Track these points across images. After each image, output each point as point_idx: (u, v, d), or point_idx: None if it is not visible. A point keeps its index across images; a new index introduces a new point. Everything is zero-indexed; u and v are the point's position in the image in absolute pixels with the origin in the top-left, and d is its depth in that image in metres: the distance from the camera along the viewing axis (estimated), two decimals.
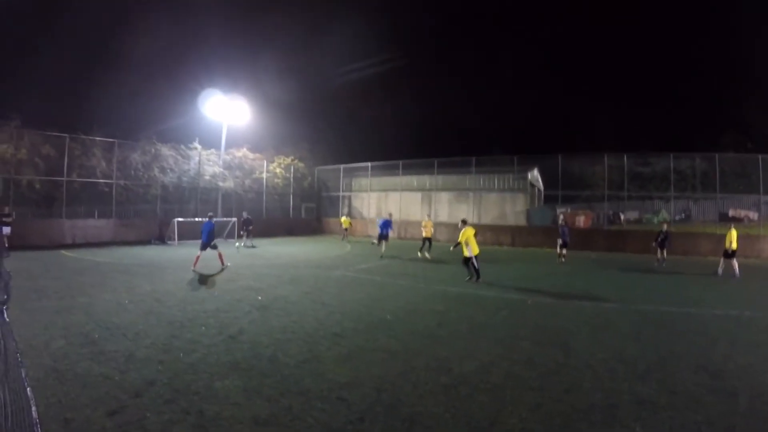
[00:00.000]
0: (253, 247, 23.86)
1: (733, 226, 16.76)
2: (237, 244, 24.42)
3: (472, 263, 13.21)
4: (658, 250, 18.87)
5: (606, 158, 26.68)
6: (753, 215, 29.69)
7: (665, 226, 19.79)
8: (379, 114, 65.20)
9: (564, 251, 19.71)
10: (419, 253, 19.70)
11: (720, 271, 16.00)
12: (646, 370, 6.21)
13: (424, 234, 20.53)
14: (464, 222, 14.17)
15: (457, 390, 5.38)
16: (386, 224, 20.63)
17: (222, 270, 14.78)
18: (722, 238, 16.84)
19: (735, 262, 15.61)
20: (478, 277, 13.21)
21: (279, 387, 5.35)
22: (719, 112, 43.39)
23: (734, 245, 15.62)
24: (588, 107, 55.78)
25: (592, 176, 28.67)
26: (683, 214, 30.80)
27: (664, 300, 11.47)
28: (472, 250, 13.22)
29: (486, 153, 32.83)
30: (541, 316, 9.43)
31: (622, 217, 30.12)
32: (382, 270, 15.99)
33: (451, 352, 6.80)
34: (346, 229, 29.52)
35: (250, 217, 25.55)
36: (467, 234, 13.37)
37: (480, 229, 28.69)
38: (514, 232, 28.44)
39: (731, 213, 31.45)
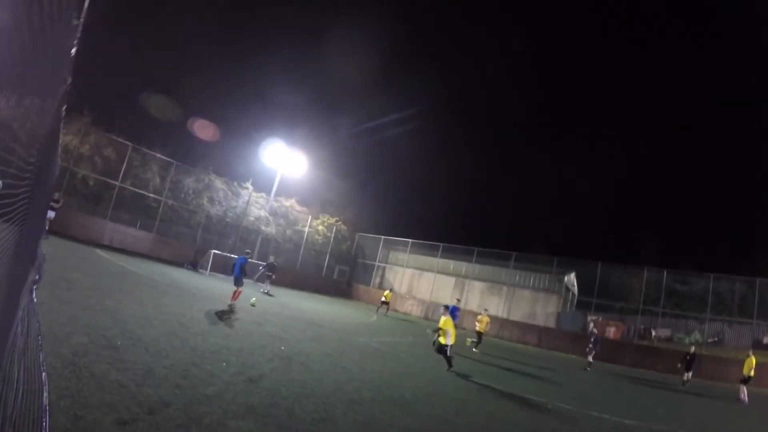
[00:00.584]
0: (269, 294, 22.43)
1: (752, 352, 16.65)
2: (263, 289, 23.31)
3: (445, 351, 12.60)
4: (684, 372, 18.10)
5: (645, 272, 26.36)
6: None
7: (693, 348, 19.05)
8: (428, 193, 65.75)
9: (591, 359, 19.18)
10: (473, 348, 18.72)
11: (743, 396, 15.65)
12: None
13: (477, 328, 19.59)
14: (446, 308, 13.45)
15: None
16: (454, 311, 18.11)
17: (231, 308, 14.13)
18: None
19: (744, 388, 15.61)
20: (450, 365, 12.52)
21: None
22: (764, 235, 42.47)
23: (752, 372, 15.77)
24: (634, 219, 54.99)
25: (628, 288, 28.22)
26: (717, 338, 29.18)
27: (684, 423, 11.26)
28: (450, 338, 12.66)
29: (525, 249, 32.85)
30: (559, 422, 8.99)
31: (653, 333, 28.85)
32: (406, 347, 15.63)
33: None
34: (385, 303, 28.19)
35: (274, 262, 24.65)
36: (448, 323, 12.79)
37: (508, 325, 28.66)
38: (542, 332, 27.84)
39: (766, 340, 29.93)
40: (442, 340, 12.71)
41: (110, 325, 7.96)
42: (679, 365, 18.50)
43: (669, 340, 28.35)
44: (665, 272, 25.78)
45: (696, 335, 28.12)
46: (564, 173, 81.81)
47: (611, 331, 27.07)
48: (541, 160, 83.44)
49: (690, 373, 18.04)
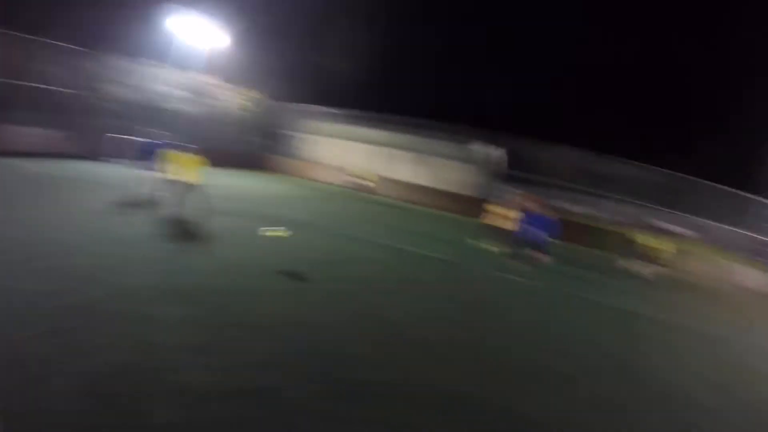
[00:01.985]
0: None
1: (654, 234, 18.79)
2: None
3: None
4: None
5: (570, 152, 28.06)
6: (690, 233, 31.83)
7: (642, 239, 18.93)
8: (349, 61, 63.00)
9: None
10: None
11: (632, 268, 17.76)
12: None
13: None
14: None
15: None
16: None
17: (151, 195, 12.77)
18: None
19: (646, 266, 17.38)
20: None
21: (217, 317, 5.56)
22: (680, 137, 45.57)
23: (653, 250, 17.57)
24: (566, 100, 55.30)
25: (552, 165, 29.54)
26: (629, 218, 32.36)
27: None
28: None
29: (451, 120, 32.60)
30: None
31: (570, 208, 30.99)
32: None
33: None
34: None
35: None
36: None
37: (432, 193, 30.12)
38: (464, 201, 29.34)
39: (667, 227, 33.52)
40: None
41: (25, 234, 7.64)
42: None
43: (585, 216, 30.49)
44: (589, 153, 27.67)
45: (614, 216, 30.78)
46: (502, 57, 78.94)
47: (533, 205, 28.02)
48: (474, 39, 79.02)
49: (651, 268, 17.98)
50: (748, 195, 27.21)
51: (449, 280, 10.45)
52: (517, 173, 29.56)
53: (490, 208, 14.09)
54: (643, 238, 17.91)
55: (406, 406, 4.50)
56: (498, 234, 13.83)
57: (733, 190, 26.99)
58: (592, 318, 9.60)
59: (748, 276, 24.36)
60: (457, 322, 7.32)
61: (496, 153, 33.59)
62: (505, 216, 13.59)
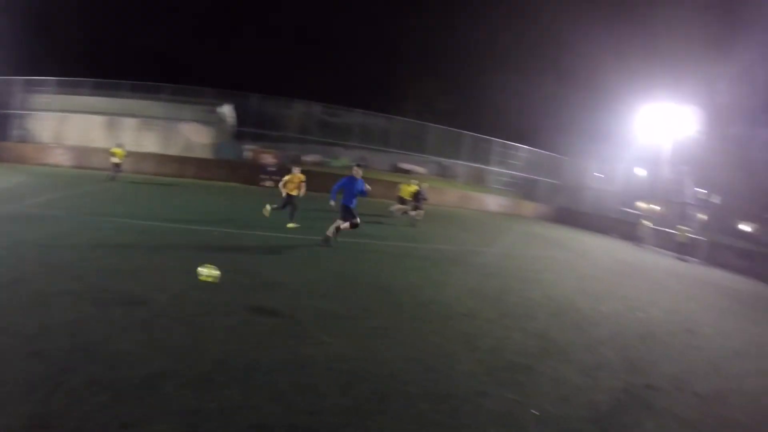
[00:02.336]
0: None
1: (412, 181, 20.41)
2: None
3: None
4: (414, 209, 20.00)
5: (299, 104, 29.29)
6: (420, 169, 37.75)
7: (421, 185, 20.17)
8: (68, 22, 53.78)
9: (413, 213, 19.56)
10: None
11: (398, 212, 20.15)
12: (326, 290, 7.82)
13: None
14: None
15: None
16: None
17: None
18: (392, 184, 22.63)
19: (407, 208, 19.57)
20: None
21: None
22: (407, 85, 50.95)
23: (406, 195, 19.56)
24: (292, 55, 55.85)
25: (283, 119, 30.72)
26: (361, 162, 35.27)
27: (346, 234, 12.46)
28: None
29: (180, 81, 31.53)
30: (230, 246, 10.30)
31: (306, 158, 32.97)
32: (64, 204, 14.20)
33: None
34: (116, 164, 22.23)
35: None
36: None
37: (165, 160, 26.96)
38: (200, 164, 27.70)
39: (402, 165, 38.28)
40: None
41: None
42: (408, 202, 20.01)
43: (319, 164, 32.51)
44: (318, 106, 29.31)
45: (343, 160, 33.51)
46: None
47: (268, 158, 29.19)
48: None
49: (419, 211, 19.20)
50: (482, 136, 32.65)
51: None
52: (252, 130, 29.91)
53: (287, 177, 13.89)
54: (405, 185, 20.00)
55: None
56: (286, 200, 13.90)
57: (470, 133, 31.80)
58: (375, 259, 11.41)
59: (490, 202, 32.05)
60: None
61: (230, 112, 33.99)
62: (292, 182, 13.68)
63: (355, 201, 11.36)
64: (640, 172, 37.15)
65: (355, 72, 52.48)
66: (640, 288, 13.34)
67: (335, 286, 8.18)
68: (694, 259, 23.77)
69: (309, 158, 33.10)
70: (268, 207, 13.56)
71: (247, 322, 5.93)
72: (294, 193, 13.73)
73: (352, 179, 11.32)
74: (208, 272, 6.83)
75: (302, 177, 14.08)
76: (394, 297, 8.06)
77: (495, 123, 47.94)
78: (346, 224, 11.29)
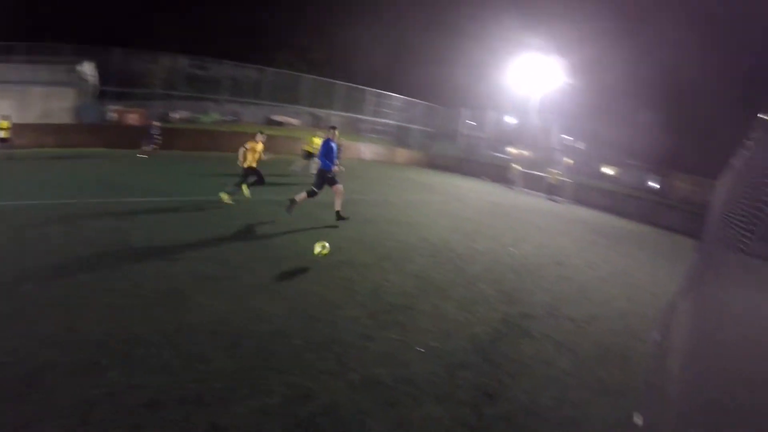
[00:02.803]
0: None
1: (318, 133, 19.29)
2: None
3: None
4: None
5: (164, 58, 26.56)
6: (295, 121, 36.62)
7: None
8: None
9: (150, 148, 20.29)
10: None
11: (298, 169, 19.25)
12: (201, 252, 7.42)
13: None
14: None
15: None
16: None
17: None
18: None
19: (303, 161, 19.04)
20: None
21: None
22: (279, 34, 49.10)
23: (311, 149, 18.49)
24: (157, 5, 51.26)
25: (148, 74, 28.17)
26: (234, 117, 34.39)
27: (218, 191, 11.81)
28: None
29: (32, 39, 28.62)
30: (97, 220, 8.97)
31: (174, 116, 30.40)
32: None
33: None
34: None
35: None
36: None
37: (23, 130, 22.53)
38: (60, 131, 24.50)
39: (276, 118, 37.89)
40: None
41: None
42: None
43: (189, 120, 30.57)
44: (185, 58, 26.50)
45: (213, 115, 32.17)
46: None
47: (134, 118, 27.13)
48: None
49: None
50: (355, 86, 32.50)
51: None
52: (115, 89, 26.90)
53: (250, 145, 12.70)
54: (315, 137, 19.07)
55: None
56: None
57: (343, 83, 31.74)
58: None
59: (365, 150, 31.97)
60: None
61: (91, 70, 30.02)
62: (255, 151, 11.98)
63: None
64: (511, 120, 39.01)
65: (224, 22, 49.18)
66: (512, 227, 14.15)
67: (214, 247, 7.74)
68: (562, 199, 25.56)
69: (177, 115, 30.48)
70: (225, 195, 11.68)
71: (125, 295, 5.46)
72: (255, 165, 12.02)
73: (330, 142, 10.36)
74: (321, 247, 7.41)
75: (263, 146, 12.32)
76: (272, 252, 7.88)
77: (368, 73, 48.12)
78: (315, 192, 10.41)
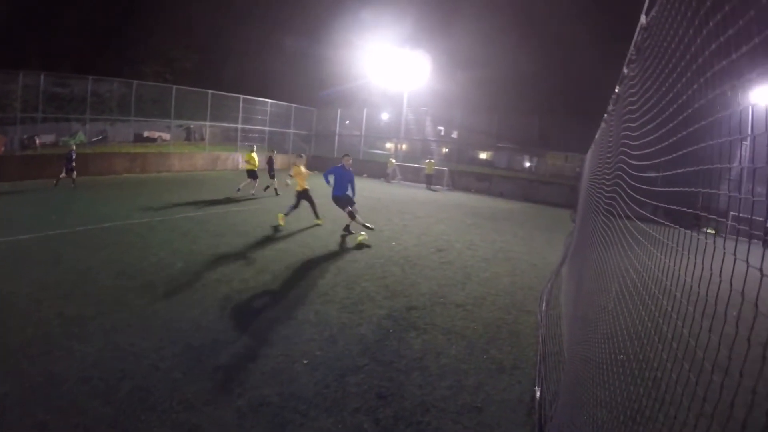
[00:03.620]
0: None
1: (255, 149, 19.07)
2: None
3: None
4: (65, 172, 17.93)
5: (21, 77, 23.46)
6: (166, 136, 34.58)
7: (73, 147, 19.44)
8: None
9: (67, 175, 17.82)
10: None
11: (250, 189, 18.20)
12: (70, 290, 6.58)
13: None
14: None
15: None
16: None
17: None
18: (136, 156, 22.04)
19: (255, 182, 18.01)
20: None
21: None
22: (144, 45, 46.80)
23: (251, 166, 17.94)
24: (10, 22, 46.74)
25: (5, 96, 24.84)
26: (100, 136, 32.15)
27: (81, 220, 11.41)
28: None
29: None
30: None
31: (37, 141, 27.30)
32: None
33: None
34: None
35: None
36: None
37: None
38: None
39: (146, 134, 36.00)
40: None
41: None
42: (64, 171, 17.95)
43: (55, 144, 27.94)
44: (42, 76, 23.72)
45: (80, 136, 29.70)
46: None
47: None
48: None
49: (74, 173, 18.15)
50: (226, 93, 31.59)
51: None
52: None
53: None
54: (251, 154, 18.37)
55: None
56: None
57: (213, 92, 30.44)
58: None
59: (241, 159, 29.62)
60: None
61: None
62: (301, 175, 12.60)
63: (348, 190, 11.25)
64: (384, 115, 39.76)
65: (81, 32, 45.14)
66: (391, 220, 14.41)
67: (78, 284, 6.91)
68: (440, 187, 26.40)
69: (43, 139, 27.66)
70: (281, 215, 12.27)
71: None
72: (306, 186, 12.53)
73: (343, 169, 11.19)
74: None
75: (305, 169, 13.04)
76: (141, 280, 7.22)
77: (237, 79, 46.92)
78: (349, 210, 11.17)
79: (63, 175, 17.67)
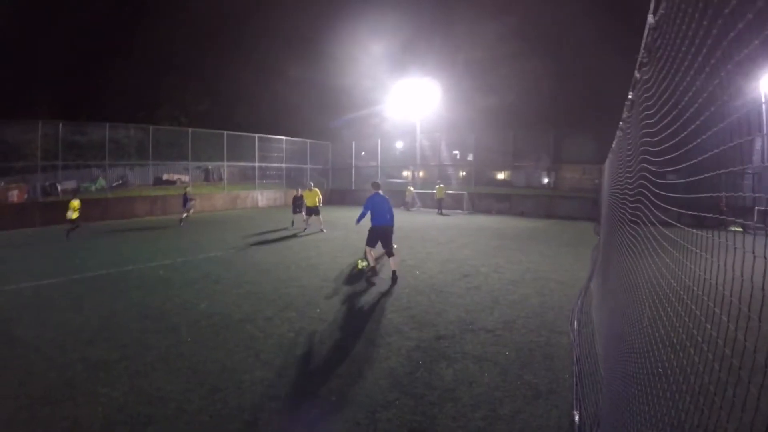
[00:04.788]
0: None
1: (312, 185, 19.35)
2: None
3: None
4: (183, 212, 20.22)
5: (41, 126, 24.17)
6: (185, 178, 35.12)
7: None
8: None
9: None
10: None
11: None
12: (94, 334, 6.62)
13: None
14: None
15: None
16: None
17: None
18: (156, 198, 22.77)
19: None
20: None
21: None
22: (157, 90, 47.71)
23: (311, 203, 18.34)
24: (24, 69, 47.53)
25: (25, 145, 25.86)
26: (120, 180, 32.77)
27: (103, 264, 11.66)
28: None
29: None
30: None
31: (59, 187, 27.74)
32: None
33: None
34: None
35: None
36: None
37: None
38: None
39: (165, 177, 36.63)
40: None
41: None
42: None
43: (76, 191, 28.57)
44: (61, 124, 24.29)
45: (101, 182, 30.32)
46: None
47: (14, 195, 24.95)
48: None
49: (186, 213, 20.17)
50: (241, 133, 32.47)
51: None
52: None
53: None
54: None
55: None
56: None
57: (228, 132, 31.20)
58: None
59: (260, 197, 32.04)
60: None
61: None
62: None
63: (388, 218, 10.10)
64: (399, 144, 40.00)
65: (98, 82, 46.14)
66: (414, 248, 14.29)
67: (101, 328, 6.92)
68: (458, 211, 26.38)
69: (65, 186, 28.20)
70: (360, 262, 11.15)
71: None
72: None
73: (378, 196, 10.19)
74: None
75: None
76: (165, 322, 7.21)
77: (251, 118, 47.73)
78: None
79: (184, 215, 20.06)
